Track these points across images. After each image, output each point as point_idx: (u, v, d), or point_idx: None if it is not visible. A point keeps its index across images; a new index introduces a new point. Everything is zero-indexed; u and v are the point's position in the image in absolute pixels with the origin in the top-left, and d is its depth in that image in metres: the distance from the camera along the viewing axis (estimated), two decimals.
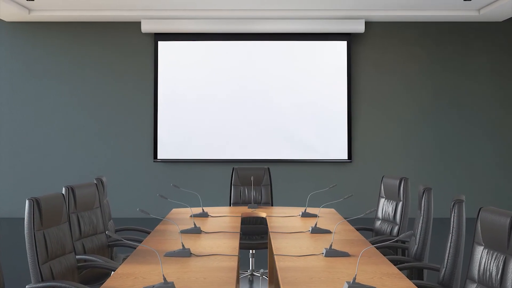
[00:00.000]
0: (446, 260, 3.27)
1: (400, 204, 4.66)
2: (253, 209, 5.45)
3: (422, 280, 3.79)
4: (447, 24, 9.47)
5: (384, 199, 4.99)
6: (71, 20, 9.35)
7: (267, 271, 5.74)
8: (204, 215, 4.99)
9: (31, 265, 3.10)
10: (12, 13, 8.91)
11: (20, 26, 9.45)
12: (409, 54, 9.48)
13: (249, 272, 5.71)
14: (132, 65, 9.47)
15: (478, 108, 9.45)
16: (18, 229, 8.14)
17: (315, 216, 4.92)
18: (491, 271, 2.54)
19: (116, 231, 5.00)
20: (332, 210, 5.45)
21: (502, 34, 9.46)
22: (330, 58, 9.38)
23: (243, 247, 5.44)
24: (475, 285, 2.66)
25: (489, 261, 2.58)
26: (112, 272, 3.81)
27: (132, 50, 9.47)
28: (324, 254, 3.29)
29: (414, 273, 3.87)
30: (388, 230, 4.72)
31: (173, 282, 2.60)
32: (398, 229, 4.57)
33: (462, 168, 9.43)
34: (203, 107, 9.37)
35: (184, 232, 4.07)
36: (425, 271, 3.90)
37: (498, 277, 2.49)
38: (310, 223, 4.55)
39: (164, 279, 2.59)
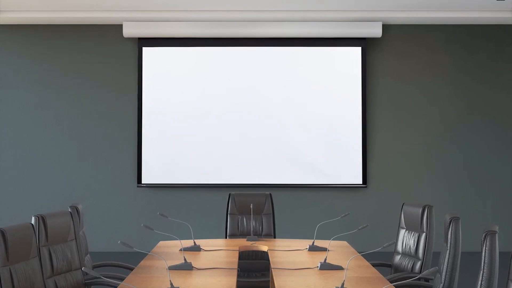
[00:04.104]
0: None
1: (423, 235, 4.68)
2: (252, 242, 5.46)
3: None
4: (478, 27, 9.54)
5: (404, 230, 5.01)
6: (42, 22, 9.41)
7: None
8: (196, 248, 5.01)
9: None
10: None
11: None
12: (434, 62, 9.54)
13: None
14: (113, 74, 9.52)
15: None
16: None
17: (324, 250, 4.93)
18: None
19: (94, 267, 5.01)
20: (344, 243, 5.47)
21: None
22: (342, 67, 9.44)
23: (241, 285, 5.44)
24: None
25: None
26: None
27: (113, 58, 9.52)
28: None
29: None
30: (409, 266, 4.73)
31: None
32: (421, 265, 4.59)
33: (495, 194, 9.44)
34: (195, 124, 9.40)
35: (172, 268, 4.09)
36: None
37: None
38: (319, 258, 4.57)
39: None
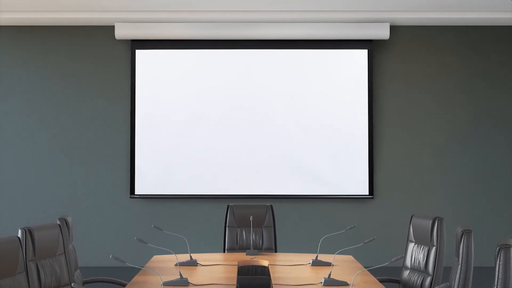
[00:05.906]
0: None
1: (433, 249, 4.68)
2: (252, 256, 5.46)
3: None
4: (490, 29, 9.55)
5: (413, 243, 5.01)
6: (29, 23, 9.41)
7: None
8: (193, 263, 5.00)
9: None
10: None
11: None
12: (444, 65, 9.55)
13: None
14: (104, 78, 9.51)
15: None
16: None
17: (329, 264, 4.93)
18: None
19: (84, 283, 5.01)
20: (350, 257, 5.47)
21: None
22: (347, 70, 9.44)
23: None
24: None
25: None
26: None
27: (104, 61, 9.52)
28: None
29: None
30: (419, 281, 4.73)
31: None
32: (431, 281, 4.59)
33: (510, 205, 9.43)
34: (191, 131, 9.39)
35: (167, 284, 4.09)
36: None
37: None
38: (323, 273, 4.57)
39: None
